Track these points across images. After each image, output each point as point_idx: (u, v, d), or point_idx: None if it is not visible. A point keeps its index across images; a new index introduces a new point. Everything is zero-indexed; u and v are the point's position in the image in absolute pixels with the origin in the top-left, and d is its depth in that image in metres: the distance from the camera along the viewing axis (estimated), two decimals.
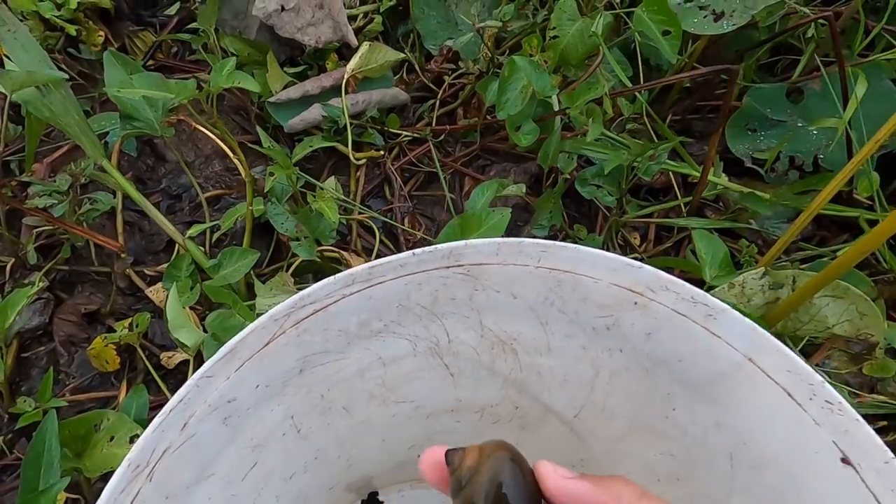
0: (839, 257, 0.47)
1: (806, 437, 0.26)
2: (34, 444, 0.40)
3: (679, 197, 0.81)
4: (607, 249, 0.77)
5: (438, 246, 0.26)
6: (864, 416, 0.72)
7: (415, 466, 0.53)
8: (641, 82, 0.81)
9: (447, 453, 0.27)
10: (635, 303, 0.28)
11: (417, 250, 0.26)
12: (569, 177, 0.73)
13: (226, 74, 0.50)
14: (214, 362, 0.24)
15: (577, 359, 0.34)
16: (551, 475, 0.24)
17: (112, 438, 0.42)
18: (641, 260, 0.76)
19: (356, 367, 0.32)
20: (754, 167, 0.84)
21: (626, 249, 0.79)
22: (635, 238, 0.80)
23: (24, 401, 0.56)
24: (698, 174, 0.74)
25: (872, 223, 0.77)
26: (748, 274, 0.54)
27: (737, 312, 0.26)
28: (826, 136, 0.81)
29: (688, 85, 0.89)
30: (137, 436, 0.44)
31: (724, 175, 0.82)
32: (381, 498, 0.56)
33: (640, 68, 0.82)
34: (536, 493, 0.25)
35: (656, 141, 0.77)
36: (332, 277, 0.26)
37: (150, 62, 0.90)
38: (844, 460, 0.25)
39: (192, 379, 0.24)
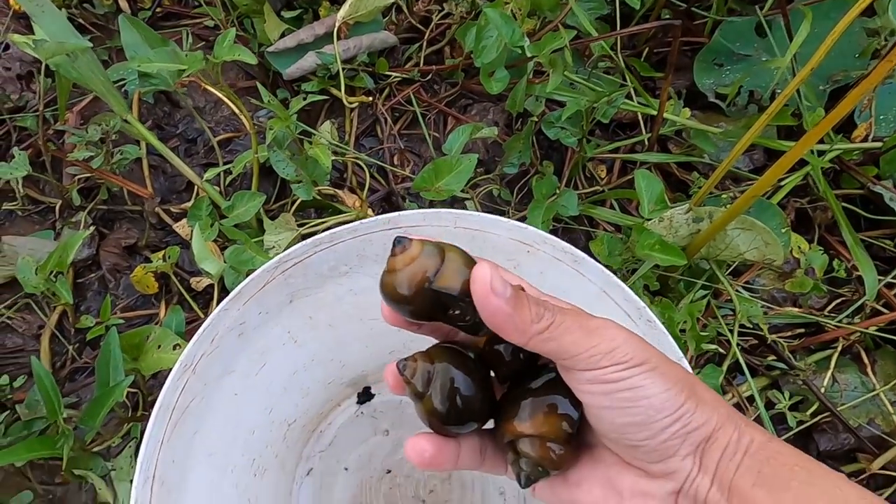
0: (738, 199, 0.57)
1: None
2: (102, 353, 0.54)
3: (644, 132, 0.88)
4: (573, 183, 0.87)
5: (379, 217, 0.37)
6: (783, 326, 0.83)
7: None
8: (618, 17, 0.87)
9: (398, 365, 0.29)
10: (528, 251, 0.39)
11: (364, 220, 0.37)
12: (537, 119, 0.82)
13: (227, 47, 0.59)
14: (228, 301, 0.36)
15: None
16: (480, 285, 0.26)
17: (159, 346, 0.56)
18: (602, 192, 0.86)
19: (333, 296, 0.44)
20: (717, 101, 0.90)
21: (591, 182, 0.88)
22: (601, 171, 0.89)
23: (86, 318, 0.70)
24: (655, 112, 0.82)
25: (821, 154, 0.85)
26: (675, 210, 0.63)
27: (592, 259, 0.37)
28: (786, 72, 0.87)
29: (668, 16, 0.94)
30: (178, 345, 0.57)
31: (687, 109, 0.89)
32: (373, 391, 0.70)
33: (618, 4, 0.87)
34: (487, 380, 0.30)
35: (629, 76, 0.84)
36: (304, 241, 0.37)
37: (158, 9, 0.97)
38: None
39: (214, 312, 0.35)
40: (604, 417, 0.27)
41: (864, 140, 0.87)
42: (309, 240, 0.37)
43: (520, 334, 0.26)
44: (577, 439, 0.29)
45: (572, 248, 0.37)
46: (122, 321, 0.72)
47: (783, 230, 0.65)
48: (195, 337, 0.35)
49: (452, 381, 0.29)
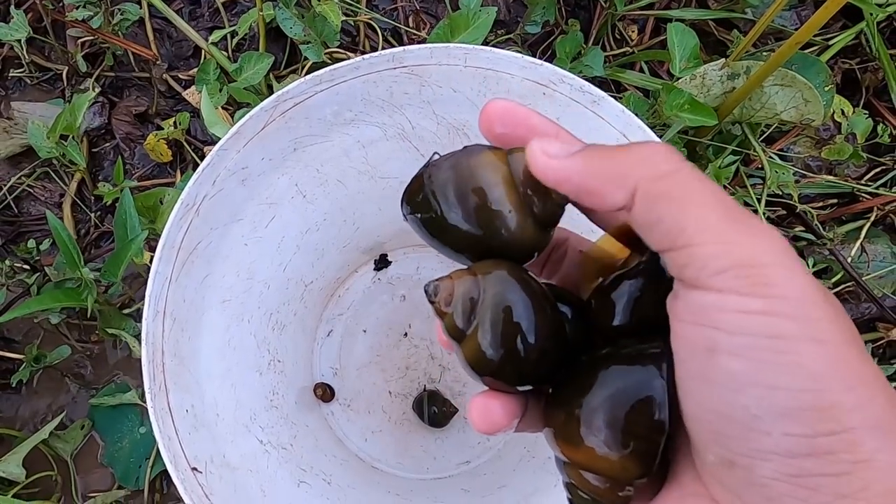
0: (780, 47, 0.52)
1: None
2: (118, 213, 0.54)
3: None
4: (601, 44, 0.81)
5: (383, 52, 0.34)
6: (816, 196, 0.79)
7: (412, 233, 0.67)
8: None
9: (425, 287, 0.21)
10: (543, 93, 0.36)
11: (367, 55, 0.34)
12: None
13: None
14: (226, 140, 0.35)
15: None
16: (536, 156, 0.19)
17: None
18: (632, 54, 0.80)
19: (340, 147, 0.42)
20: None
21: (621, 44, 0.82)
22: (633, 31, 0.83)
23: (104, 185, 0.70)
24: None
25: (880, 6, 0.77)
26: (709, 66, 0.59)
27: (612, 99, 0.34)
28: None
29: None
30: None
31: None
32: (389, 259, 0.71)
33: None
34: (552, 308, 0.20)
35: None
36: (302, 78, 0.35)
37: None
38: None
39: (213, 150, 0.34)
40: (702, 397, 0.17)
41: None
42: (308, 77, 0.35)
43: (619, 185, 0.17)
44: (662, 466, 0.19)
45: (591, 86, 0.34)
46: (139, 190, 0.72)
47: (826, 88, 0.60)
48: (194, 176, 0.35)
49: (511, 310, 0.19)
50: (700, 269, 0.16)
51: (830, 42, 0.76)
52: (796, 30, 0.81)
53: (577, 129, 0.40)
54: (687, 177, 0.17)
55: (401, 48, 0.34)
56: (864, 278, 0.70)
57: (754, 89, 0.58)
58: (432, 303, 0.21)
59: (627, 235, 0.20)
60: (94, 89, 0.68)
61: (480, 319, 0.20)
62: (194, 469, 0.32)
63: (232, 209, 0.39)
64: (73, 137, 0.63)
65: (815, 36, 0.80)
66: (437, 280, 0.21)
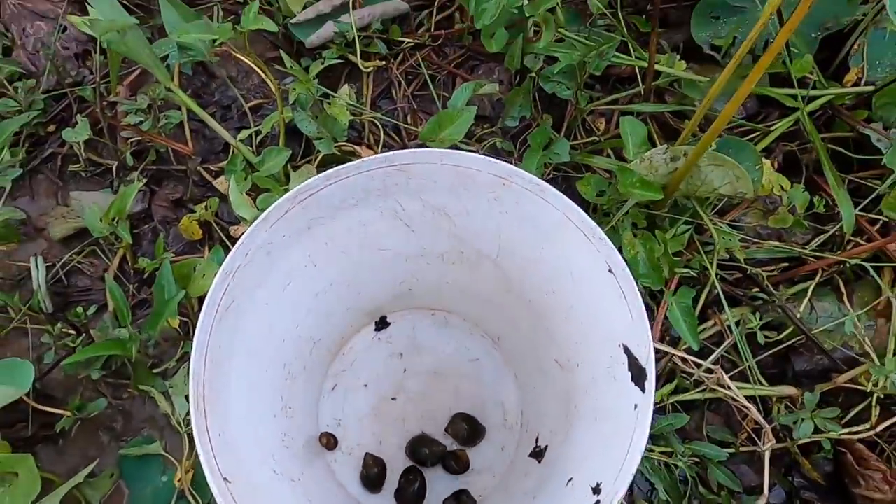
0: (706, 134, 0.63)
1: (592, 259, 0.46)
2: (158, 280, 0.65)
3: (641, 84, 0.94)
4: (572, 135, 0.93)
5: (377, 156, 0.45)
6: (768, 260, 0.89)
7: (408, 297, 0.76)
8: None
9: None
10: (503, 184, 0.47)
11: (367, 158, 0.46)
12: (535, 74, 0.88)
13: (252, 17, 0.68)
14: (257, 223, 0.45)
15: (486, 218, 0.54)
16: None
17: (204, 275, 0.66)
18: (599, 142, 0.92)
19: (344, 226, 0.53)
20: (713, 54, 0.95)
21: (591, 133, 0.94)
22: (601, 123, 0.96)
23: (143, 260, 0.81)
24: (646, 65, 0.87)
25: (813, 99, 0.89)
26: (655, 150, 0.70)
27: (553, 188, 0.45)
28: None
29: None
30: None
31: (683, 62, 0.94)
32: (388, 320, 0.80)
33: None
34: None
35: (625, 32, 0.90)
36: (317, 176, 0.46)
37: None
38: (609, 270, 0.45)
39: (248, 231, 0.45)
40: None
41: (856, 84, 0.90)
42: (321, 174, 0.46)
43: None
44: None
45: (537, 179, 0.45)
46: (173, 263, 0.83)
47: (757, 167, 0.71)
48: (233, 250, 0.45)
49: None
50: None
51: (772, 128, 0.89)
52: (743, 118, 0.94)
53: (530, 210, 0.51)
54: None
55: (392, 152, 0.45)
56: (813, 332, 0.78)
57: (692, 169, 0.69)
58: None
59: None
60: (139, 180, 0.81)
61: None
62: (226, 479, 0.40)
63: (258, 277, 0.49)
64: (121, 220, 0.75)
65: (758, 123, 0.93)
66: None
